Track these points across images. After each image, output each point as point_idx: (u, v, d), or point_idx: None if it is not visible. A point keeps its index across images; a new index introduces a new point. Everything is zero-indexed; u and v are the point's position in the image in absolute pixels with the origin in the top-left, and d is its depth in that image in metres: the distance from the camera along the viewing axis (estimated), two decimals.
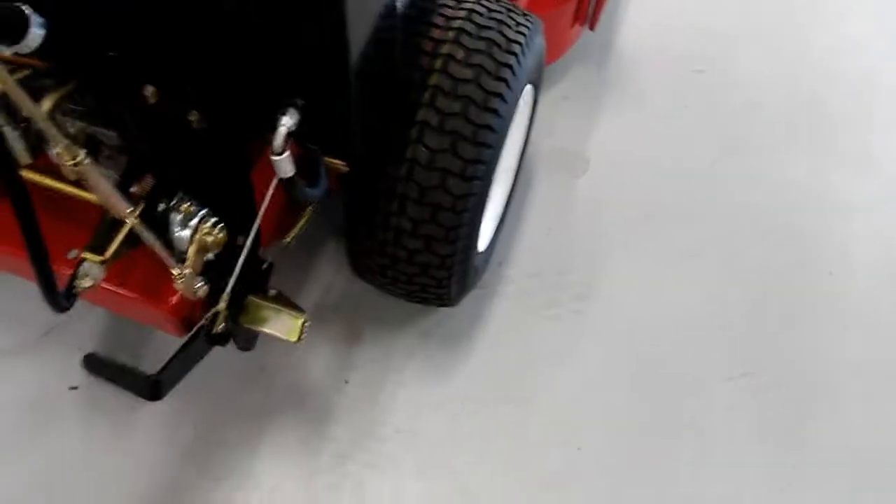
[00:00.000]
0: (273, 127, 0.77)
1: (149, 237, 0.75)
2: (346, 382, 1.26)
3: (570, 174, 1.56)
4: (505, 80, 1.02)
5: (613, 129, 1.62)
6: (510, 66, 1.03)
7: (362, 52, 0.77)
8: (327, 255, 1.40)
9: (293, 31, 0.73)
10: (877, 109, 1.68)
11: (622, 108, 1.65)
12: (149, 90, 0.71)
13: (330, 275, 1.38)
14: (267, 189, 0.89)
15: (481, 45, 1.02)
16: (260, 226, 0.92)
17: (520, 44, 1.06)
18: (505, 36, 1.05)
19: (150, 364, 0.97)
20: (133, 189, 0.84)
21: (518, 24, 1.08)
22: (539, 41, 1.15)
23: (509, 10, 1.09)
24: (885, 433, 1.25)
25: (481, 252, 1.26)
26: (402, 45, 0.91)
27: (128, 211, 0.73)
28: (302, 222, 1.09)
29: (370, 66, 0.80)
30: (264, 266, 1.00)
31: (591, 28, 1.61)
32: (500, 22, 1.06)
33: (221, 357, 1.02)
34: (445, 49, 1.01)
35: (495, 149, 1.04)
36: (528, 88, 1.21)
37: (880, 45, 1.81)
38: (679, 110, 1.66)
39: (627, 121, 1.64)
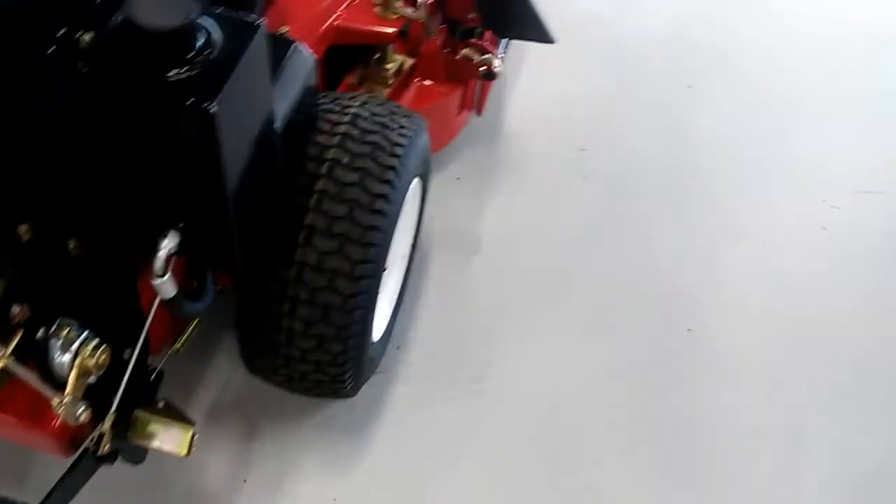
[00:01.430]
0: (154, 249, 0.78)
1: (24, 372, 0.74)
2: (245, 482, 1.24)
3: (465, 253, 1.61)
4: (389, 182, 1.07)
5: (505, 207, 1.69)
6: (394, 168, 1.08)
7: (239, 173, 0.80)
8: (224, 350, 1.40)
9: (167, 159, 0.75)
10: (749, 181, 1.81)
11: (512, 186, 1.73)
12: (22, 228, 0.71)
13: (227, 370, 1.37)
14: (154, 294, 0.90)
15: (366, 148, 1.07)
16: (148, 334, 0.92)
17: (403, 145, 1.11)
18: (388, 139, 1.10)
19: (36, 488, 0.94)
20: (14, 311, 0.82)
21: (401, 126, 1.13)
22: (423, 139, 1.20)
23: (392, 112, 1.15)
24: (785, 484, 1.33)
25: (377, 341, 1.29)
26: (284, 154, 0.94)
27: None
28: (192, 327, 1.09)
29: (249, 183, 0.83)
30: (153, 376, 0.99)
31: (479, 113, 1.69)
32: (384, 126, 1.11)
33: (113, 469, 1.00)
34: (331, 154, 1.06)
35: (382, 247, 1.08)
36: (416, 182, 1.26)
37: (753, 120, 1.97)
38: (567, 186, 1.75)
39: (518, 198, 1.71)
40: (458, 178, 1.73)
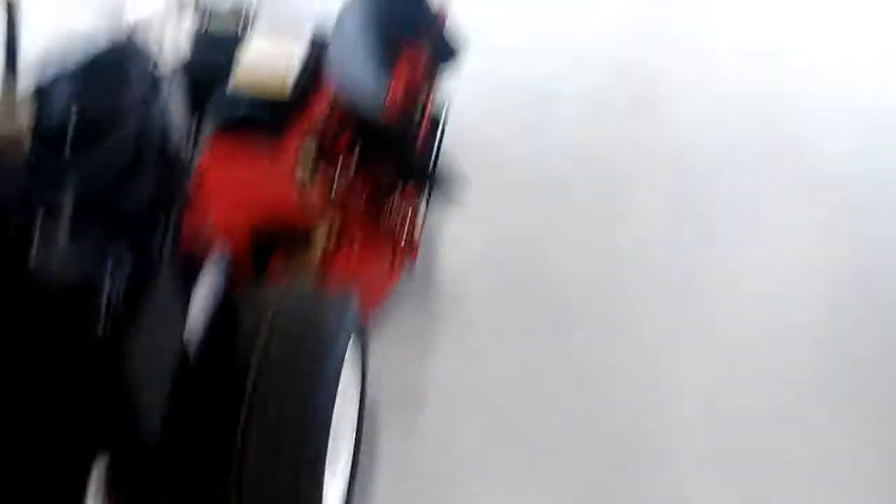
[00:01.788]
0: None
1: None
2: None
3: (413, 412, 1.61)
4: (321, 368, 1.09)
5: (448, 360, 1.71)
6: (323, 355, 1.11)
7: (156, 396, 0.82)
8: None
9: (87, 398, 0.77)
10: (679, 297, 1.87)
11: (453, 334, 1.75)
12: None
13: None
14: None
15: (292, 340, 1.09)
16: None
17: (331, 328, 1.14)
18: (313, 326, 1.12)
19: None
20: None
21: (326, 306, 1.17)
22: (351, 314, 1.24)
23: (316, 295, 1.19)
24: None
25: None
26: (206, 360, 0.97)
27: None
28: None
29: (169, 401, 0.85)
30: None
31: (412, 264, 1.74)
32: (308, 315, 1.14)
33: None
34: (258, 351, 1.08)
35: (323, 431, 1.10)
36: (351, 354, 1.28)
37: (675, 233, 2.05)
38: (506, 326, 1.78)
39: (460, 348, 1.73)
40: (399, 331, 1.76)
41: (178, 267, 0.94)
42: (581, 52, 2.74)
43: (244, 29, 1.71)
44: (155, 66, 1.10)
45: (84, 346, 0.72)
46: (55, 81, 0.95)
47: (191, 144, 1.21)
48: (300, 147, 1.48)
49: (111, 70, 1.02)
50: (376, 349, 1.49)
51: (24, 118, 0.79)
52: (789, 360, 1.73)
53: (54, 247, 0.72)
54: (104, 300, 0.74)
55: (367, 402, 1.46)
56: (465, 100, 2.17)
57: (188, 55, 1.62)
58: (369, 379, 1.44)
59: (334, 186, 1.43)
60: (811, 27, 2.87)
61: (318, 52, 1.68)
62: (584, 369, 1.69)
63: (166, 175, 1.14)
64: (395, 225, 1.57)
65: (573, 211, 2.09)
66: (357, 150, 1.52)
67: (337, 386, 1.14)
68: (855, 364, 1.72)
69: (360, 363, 1.36)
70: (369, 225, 1.55)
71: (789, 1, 2.99)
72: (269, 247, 1.44)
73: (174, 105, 1.17)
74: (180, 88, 1.49)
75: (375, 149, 1.51)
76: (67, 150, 0.87)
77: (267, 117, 1.39)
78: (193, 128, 1.29)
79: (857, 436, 1.58)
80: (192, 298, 0.93)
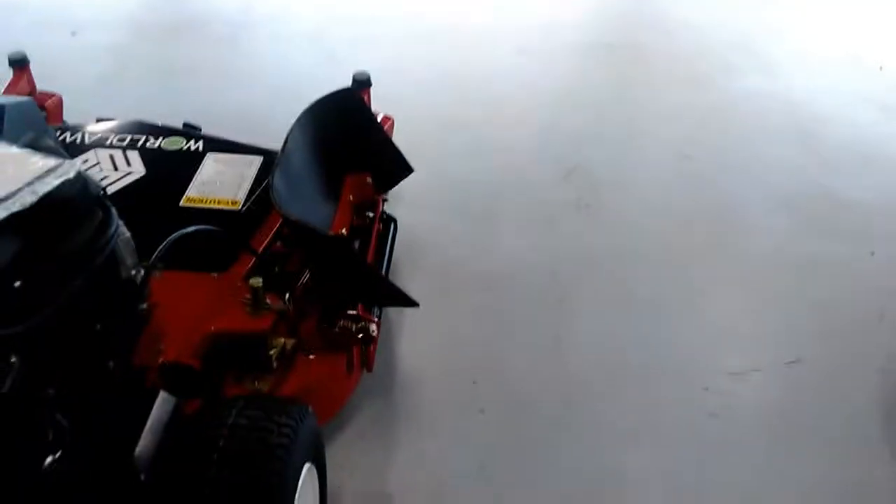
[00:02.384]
0: None
1: None
2: None
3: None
4: (274, 485, 1.11)
5: (410, 459, 1.72)
6: (278, 472, 1.12)
7: None
8: None
9: None
10: (630, 384, 1.93)
11: (413, 433, 1.77)
12: None
13: None
14: None
15: (245, 458, 1.11)
16: None
17: (284, 445, 1.16)
18: (268, 443, 1.15)
19: None
20: None
21: (280, 425, 1.19)
22: (308, 426, 1.26)
23: (271, 412, 1.21)
24: None
25: None
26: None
27: None
28: None
29: None
30: None
31: (369, 370, 1.78)
32: (263, 429, 1.17)
33: None
34: (212, 472, 1.09)
35: None
36: (308, 468, 1.30)
37: (624, 321, 2.12)
38: (465, 423, 1.81)
39: (421, 445, 1.75)
40: (360, 437, 1.77)
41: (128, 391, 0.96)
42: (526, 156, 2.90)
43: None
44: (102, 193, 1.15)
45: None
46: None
47: (140, 273, 1.24)
48: (251, 268, 1.54)
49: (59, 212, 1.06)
50: (338, 448, 1.50)
51: None
52: None
53: None
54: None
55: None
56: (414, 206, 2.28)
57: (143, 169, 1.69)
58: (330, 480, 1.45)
59: (283, 307, 1.46)
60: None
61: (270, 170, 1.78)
62: (540, 464, 1.72)
63: (114, 307, 1.18)
64: (350, 336, 1.60)
65: (524, 308, 2.15)
66: (308, 268, 1.58)
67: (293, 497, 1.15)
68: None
69: (316, 476, 1.37)
70: (324, 336, 1.58)
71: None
72: (221, 368, 1.47)
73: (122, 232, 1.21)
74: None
75: (326, 266, 1.56)
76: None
77: (219, 229, 1.43)
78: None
79: None
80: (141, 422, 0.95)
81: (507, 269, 2.29)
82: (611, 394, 1.89)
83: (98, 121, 1.99)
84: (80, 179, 1.09)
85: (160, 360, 1.33)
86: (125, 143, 1.79)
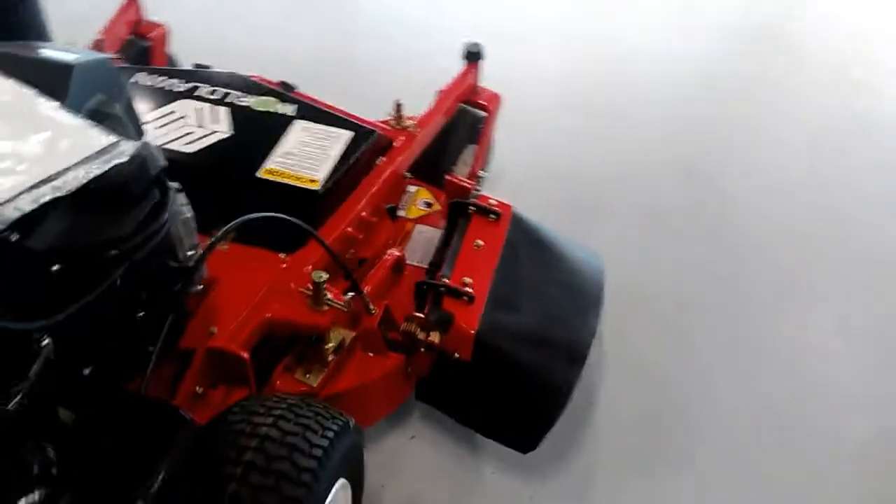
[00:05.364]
0: None
1: None
2: None
3: None
4: (306, 484, 1.03)
5: (462, 469, 1.63)
6: (312, 470, 1.05)
7: None
8: None
9: None
10: None
11: (471, 437, 1.68)
12: None
13: None
14: None
15: (283, 451, 1.04)
16: None
17: (312, 470, 1.08)
18: (309, 441, 1.07)
19: None
20: None
21: (313, 445, 1.11)
22: (347, 441, 1.17)
23: (305, 430, 1.13)
24: None
25: None
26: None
27: None
28: None
29: None
30: None
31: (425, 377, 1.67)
32: (294, 448, 1.09)
33: None
34: (248, 456, 1.03)
35: None
36: (341, 484, 1.22)
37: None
38: None
39: (479, 450, 1.66)
40: (412, 437, 1.70)
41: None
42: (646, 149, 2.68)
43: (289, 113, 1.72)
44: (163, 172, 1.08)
45: None
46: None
47: (199, 250, 1.17)
48: (319, 257, 1.45)
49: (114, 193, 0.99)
50: (388, 449, 1.43)
51: None
52: None
53: None
54: None
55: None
56: None
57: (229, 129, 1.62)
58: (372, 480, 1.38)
59: (345, 307, 1.37)
60: None
61: (359, 147, 1.67)
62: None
63: (162, 292, 1.12)
64: (413, 341, 1.50)
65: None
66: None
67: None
68: None
69: (350, 497, 1.29)
70: (385, 337, 1.49)
71: None
72: (272, 358, 1.40)
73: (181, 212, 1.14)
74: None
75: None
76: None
77: (291, 218, 1.34)
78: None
79: None
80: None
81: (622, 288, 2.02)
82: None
83: (195, 66, 1.94)
84: (137, 160, 1.01)
85: (209, 344, 1.27)
86: (216, 97, 1.72)
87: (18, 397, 0.82)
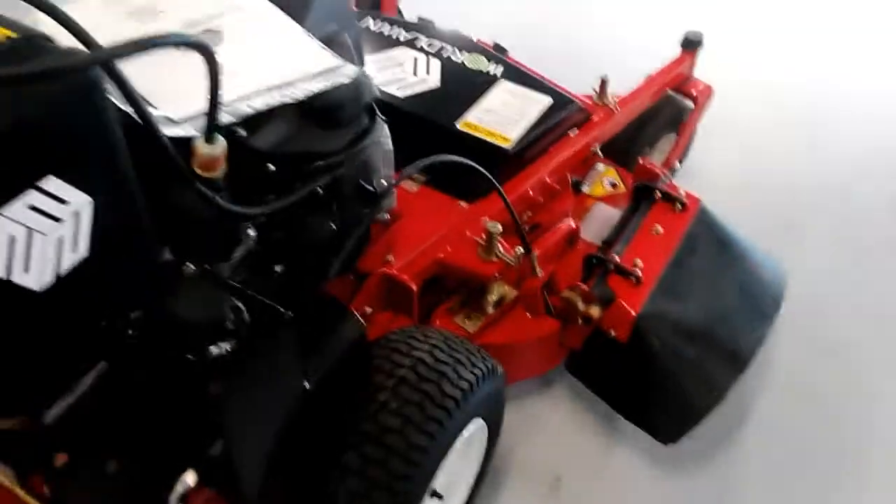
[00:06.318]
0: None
1: None
2: None
3: (544, 491, 1.56)
4: (430, 434, 1.09)
5: (588, 448, 1.63)
6: (440, 421, 1.11)
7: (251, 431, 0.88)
8: None
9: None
10: None
11: (590, 427, 1.67)
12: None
13: None
14: None
15: (416, 396, 1.10)
16: None
17: (455, 398, 1.14)
18: (442, 390, 1.13)
19: None
20: None
21: (461, 377, 1.16)
22: (488, 387, 1.21)
23: (457, 360, 1.18)
24: None
25: None
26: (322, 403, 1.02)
27: None
28: None
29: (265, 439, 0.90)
30: None
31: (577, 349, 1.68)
32: (442, 374, 1.15)
33: None
34: (382, 396, 1.11)
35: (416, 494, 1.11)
36: (476, 426, 1.27)
37: None
38: None
39: (602, 442, 1.65)
40: (556, 404, 1.72)
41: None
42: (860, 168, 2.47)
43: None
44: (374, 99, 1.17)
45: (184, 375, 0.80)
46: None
47: (390, 183, 1.26)
48: (497, 211, 1.50)
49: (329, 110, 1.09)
50: (528, 410, 1.44)
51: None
52: None
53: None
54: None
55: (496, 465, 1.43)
56: None
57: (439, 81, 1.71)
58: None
59: (514, 261, 1.41)
60: None
61: (556, 114, 1.70)
62: None
63: (354, 210, 1.22)
64: (572, 310, 1.52)
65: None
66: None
67: (443, 457, 1.14)
68: None
69: (485, 438, 1.35)
70: (545, 301, 1.52)
71: None
72: (438, 298, 1.48)
73: (383, 143, 1.23)
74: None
75: None
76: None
77: (477, 167, 1.40)
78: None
79: None
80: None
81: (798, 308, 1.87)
82: None
83: (419, 20, 2.05)
84: (355, 85, 1.11)
85: (383, 270, 1.37)
86: (432, 50, 1.82)
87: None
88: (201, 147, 0.87)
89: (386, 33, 1.88)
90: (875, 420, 1.73)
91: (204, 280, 0.85)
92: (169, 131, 0.92)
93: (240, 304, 0.85)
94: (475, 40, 1.95)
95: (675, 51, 2.14)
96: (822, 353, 1.87)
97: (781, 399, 1.75)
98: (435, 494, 1.25)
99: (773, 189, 2.38)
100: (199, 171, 0.89)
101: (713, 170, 2.37)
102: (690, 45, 2.10)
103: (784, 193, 2.37)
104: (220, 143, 0.89)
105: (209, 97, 0.82)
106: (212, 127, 0.87)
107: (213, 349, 0.80)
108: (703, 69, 2.18)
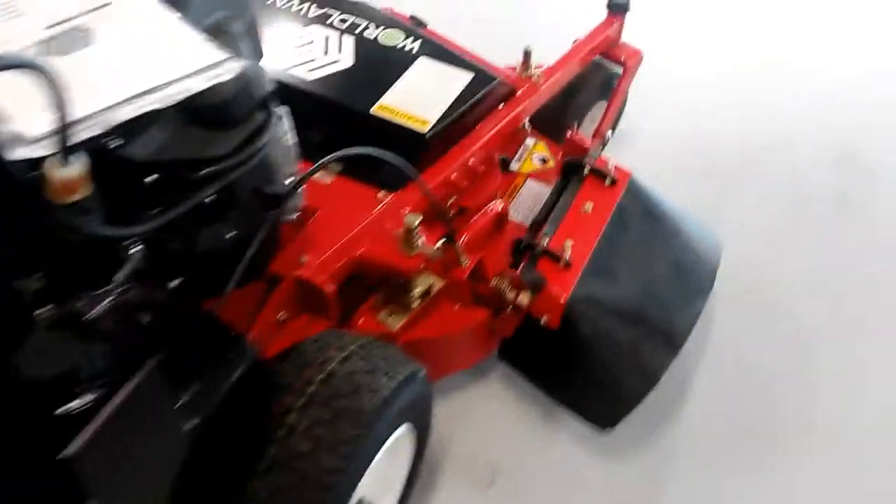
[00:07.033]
0: None
1: None
2: None
3: (477, 484, 1.52)
4: (346, 456, 1.02)
5: (525, 438, 1.59)
6: (357, 437, 1.04)
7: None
8: None
9: None
10: None
11: (543, 410, 1.63)
12: None
13: None
14: None
15: (327, 415, 1.03)
16: None
17: (373, 411, 1.07)
18: (359, 405, 1.05)
19: None
20: None
21: (376, 389, 1.09)
22: (411, 391, 1.16)
23: (373, 372, 1.12)
24: None
25: None
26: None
27: None
28: None
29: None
30: None
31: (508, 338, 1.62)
32: (357, 389, 1.07)
33: None
34: (291, 419, 1.03)
35: None
36: (403, 429, 1.22)
37: None
38: None
39: (538, 431, 1.61)
40: (490, 394, 1.67)
41: None
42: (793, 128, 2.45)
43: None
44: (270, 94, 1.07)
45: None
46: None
47: (294, 181, 1.17)
48: (419, 200, 1.43)
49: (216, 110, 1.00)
50: (460, 402, 1.41)
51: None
52: None
53: None
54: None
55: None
56: None
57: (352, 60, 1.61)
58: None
59: (435, 253, 1.34)
60: None
61: (477, 91, 1.62)
62: None
63: (254, 215, 1.13)
64: (500, 298, 1.46)
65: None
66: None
67: (363, 473, 1.09)
68: None
69: (413, 441, 1.29)
70: (473, 289, 1.46)
71: None
72: (358, 294, 1.40)
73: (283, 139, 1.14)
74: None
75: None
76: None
77: (394, 157, 1.32)
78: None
79: None
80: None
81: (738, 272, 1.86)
82: None
83: None
84: (241, 80, 1.01)
85: (296, 273, 1.29)
86: (344, 27, 1.71)
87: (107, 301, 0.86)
88: (54, 171, 0.78)
89: (294, 9, 1.76)
90: (819, 388, 1.72)
91: (58, 327, 0.75)
92: (20, 152, 0.82)
93: (105, 348, 0.77)
94: (390, 13, 1.84)
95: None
96: (762, 319, 1.85)
97: (721, 369, 1.73)
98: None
99: (712, 151, 2.35)
100: (56, 198, 0.79)
101: (650, 136, 2.32)
102: (617, 7, 2.03)
103: (724, 154, 2.33)
104: (78, 162, 0.80)
105: (57, 118, 0.72)
106: (64, 148, 0.77)
107: (75, 402, 0.72)
108: (633, 33, 2.12)
